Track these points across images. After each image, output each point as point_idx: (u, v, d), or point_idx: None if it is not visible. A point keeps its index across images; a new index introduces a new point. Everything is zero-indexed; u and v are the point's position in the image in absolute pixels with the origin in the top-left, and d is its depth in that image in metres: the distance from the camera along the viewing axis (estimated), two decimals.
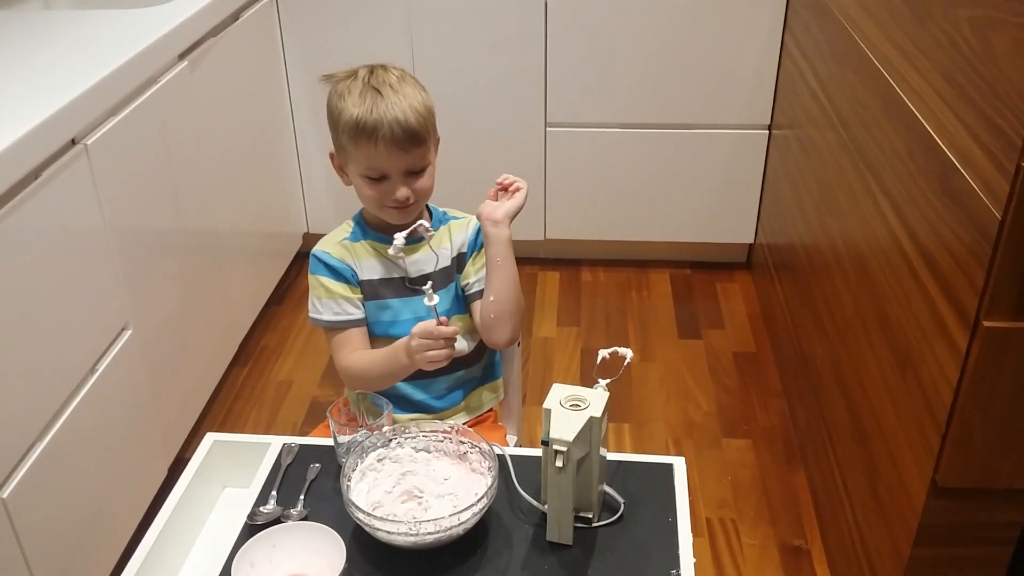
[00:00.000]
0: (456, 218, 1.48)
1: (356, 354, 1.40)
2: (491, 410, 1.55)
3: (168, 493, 1.20)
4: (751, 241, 2.81)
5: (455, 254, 1.44)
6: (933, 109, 1.39)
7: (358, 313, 1.40)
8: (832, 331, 1.87)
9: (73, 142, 1.57)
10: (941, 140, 1.34)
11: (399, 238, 1.28)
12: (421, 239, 1.36)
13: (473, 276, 1.44)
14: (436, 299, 1.26)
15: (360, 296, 1.41)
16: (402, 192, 1.33)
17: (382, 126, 1.29)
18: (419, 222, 1.33)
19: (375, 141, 1.29)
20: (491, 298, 1.37)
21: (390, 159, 1.31)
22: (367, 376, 1.38)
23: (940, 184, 1.33)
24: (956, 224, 1.26)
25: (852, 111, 1.81)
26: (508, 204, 1.37)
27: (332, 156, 1.40)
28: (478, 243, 1.44)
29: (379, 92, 1.31)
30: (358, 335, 1.41)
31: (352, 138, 1.31)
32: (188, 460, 1.26)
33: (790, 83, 2.41)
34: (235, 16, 2.29)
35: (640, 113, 2.63)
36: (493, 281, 1.37)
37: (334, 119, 1.35)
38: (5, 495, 1.38)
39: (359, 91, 1.32)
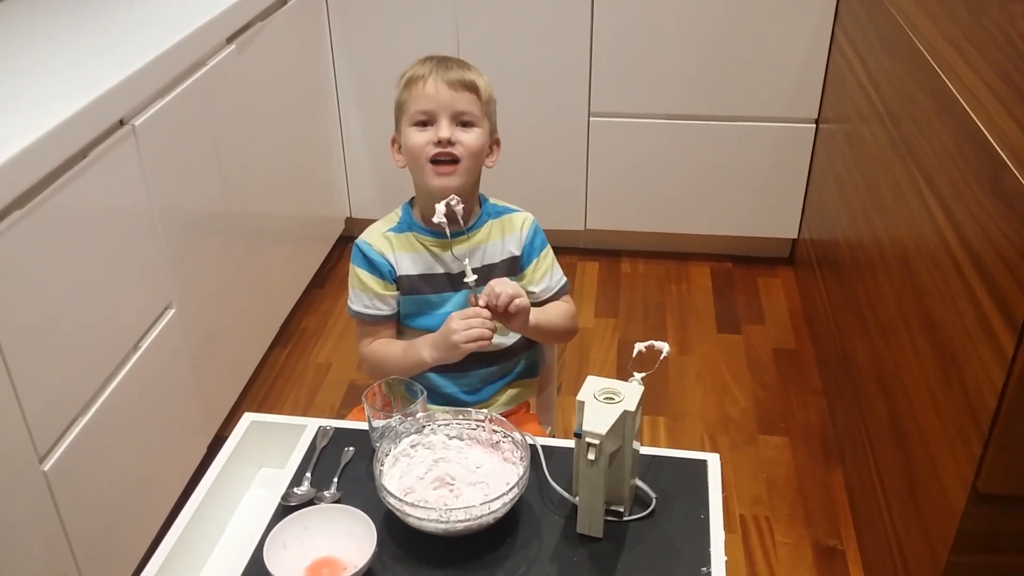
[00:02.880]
0: (509, 211, 1.46)
1: (377, 343, 1.41)
2: (525, 400, 1.55)
3: (206, 471, 1.22)
4: (794, 236, 2.77)
5: (506, 256, 1.43)
6: (986, 106, 1.35)
7: (387, 310, 1.41)
8: (875, 330, 1.84)
9: (121, 123, 1.60)
10: (993, 138, 1.31)
11: (440, 206, 1.28)
12: (458, 234, 1.36)
13: (533, 285, 1.43)
14: (474, 277, 1.26)
15: (394, 293, 1.41)
16: (445, 131, 1.33)
17: (438, 70, 1.34)
18: (452, 196, 1.31)
19: (427, 81, 1.34)
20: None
21: (440, 96, 1.33)
22: (383, 366, 1.40)
23: (991, 184, 1.30)
24: (1006, 225, 1.23)
25: (902, 106, 1.77)
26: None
27: (393, 140, 1.42)
28: (535, 246, 1.44)
29: (443, 60, 1.37)
30: (383, 329, 1.42)
31: (406, 87, 1.35)
32: (227, 438, 1.28)
33: (839, 76, 2.37)
34: (283, 1, 2.30)
35: (685, 104, 2.60)
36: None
37: (398, 91, 1.39)
38: (47, 468, 1.41)
39: (423, 59, 1.38)
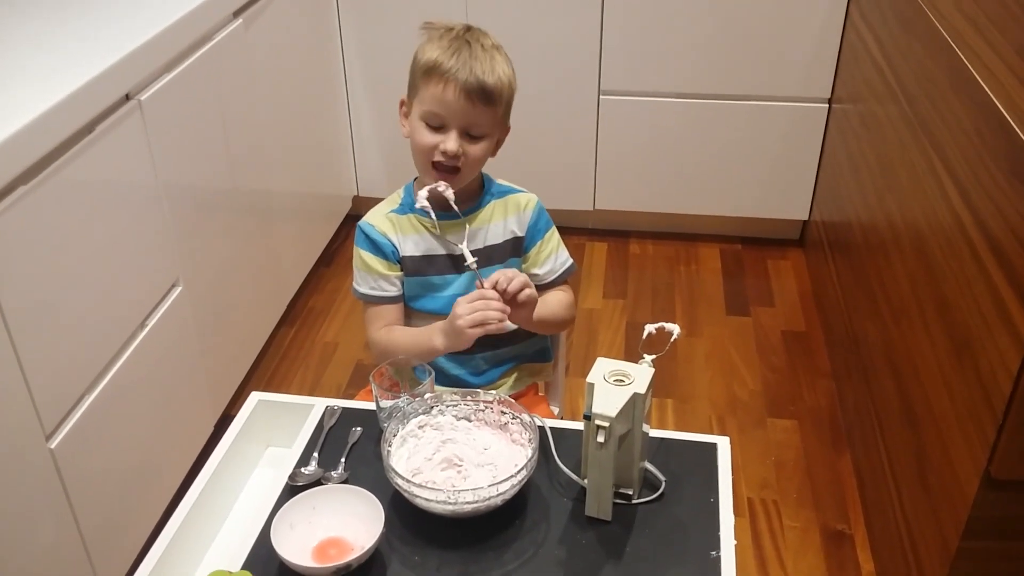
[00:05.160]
0: (513, 191, 1.43)
1: (386, 329, 1.39)
2: (534, 383, 1.53)
3: (213, 449, 1.22)
4: (805, 218, 2.75)
5: (508, 237, 1.41)
6: (1005, 86, 1.33)
7: (393, 291, 1.39)
8: (887, 313, 1.82)
9: (127, 97, 1.58)
10: (1013, 119, 1.28)
11: (423, 192, 1.27)
12: (458, 216, 1.34)
13: (537, 267, 1.41)
14: (474, 259, 1.25)
15: (399, 273, 1.39)
16: (452, 145, 1.29)
17: (459, 71, 1.28)
18: (439, 183, 1.29)
19: (446, 82, 1.28)
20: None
21: (455, 106, 1.28)
22: (393, 354, 1.36)
23: (1010, 165, 1.28)
24: None
25: (918, 86, 1.74)
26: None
27: (402, 103, 1.37)
28: (539, 227, 1.42)
29: (469, 44, 1.30)
30: (391, 311, 1.40)
31: (425, 74, 1.30)
32: (234, 417, 1.27)
33: (853, 55, 2.34)
34: None
35: (696, 83, 2.57)
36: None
37: (415, 60, 1.33)
38: (53, 446, 1.41)
39: (449, 39, 1.31)
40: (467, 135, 1.31)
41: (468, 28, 1.34)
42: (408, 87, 1.36)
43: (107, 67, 1.48)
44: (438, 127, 1.30)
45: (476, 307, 1.25)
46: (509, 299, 1.26)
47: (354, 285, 1.41)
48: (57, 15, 1.71)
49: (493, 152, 1.37)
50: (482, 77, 1.28)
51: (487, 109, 1.30)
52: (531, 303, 1.29)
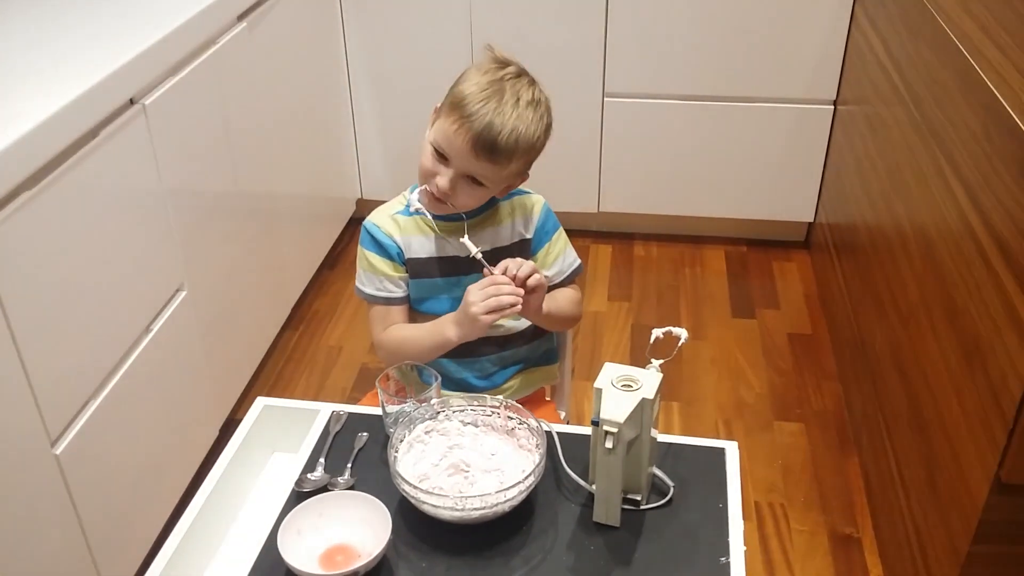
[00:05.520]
0: (520, 193, 1.42)
1: (393, 328, 1.38)
2: (541, 387, 1.53)
3: (219, 454, 1.21)
4: (811, 220, 2.74)
5: (516, 239, 1.40)
6: (1014, 88, 1.32)
7: (398, 292, 1.38)
8: (894, 316, 1.81)
9: (131, 102, 1.58)
10: (1022, 121, 1.28)
11: (415, 193, 1.29)
12: (460, 217, 1.33)
13: (546, 269, 1.40)
14: (478, 249, 1.24)
15: (404, 275, 1.38)
16: (444, 183, 1.27)
17: (476, 120, 1.23)
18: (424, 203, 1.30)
19: (460, 124, 1.24)
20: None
21: (460, 151, 1.26)
22: (405, 351, 1.36)
23: (1019, 168, 1.27)
24: None
25: (925, 88, 1.73)
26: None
27: (436, 109, 1.33)
28: (547, 228, 1.41)
29: (502, 93, 1.25)
30: (396, 312, 1.39)
31: (451, 107, 1.27)
32: (239, 422, 1.26)
33: (859, 57, 2.33)
34: None
35: (701, 85, 2.57)
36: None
37: (456, 81, 1.30)
38: (58, 452, 1.40)
39: (489, 79, 1.27)
40: (470, 177, 1.29)
41: (518, 75, 1.29)
42: (443, 101, 1.32)
43: (111, 72, 1.47)
44: (442, 158, 1.29)
45: (489, 292, 1.24)
46: (519, 284, 1.25)
47: (358, 285, 1.40)
48: (60, 21, 1.71)
49: (501, 193, 1.36)
50: (496, 134, 1.24)
51: (491, 165, 1.27)
52: (540, 289, 1.28)
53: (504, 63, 1.29)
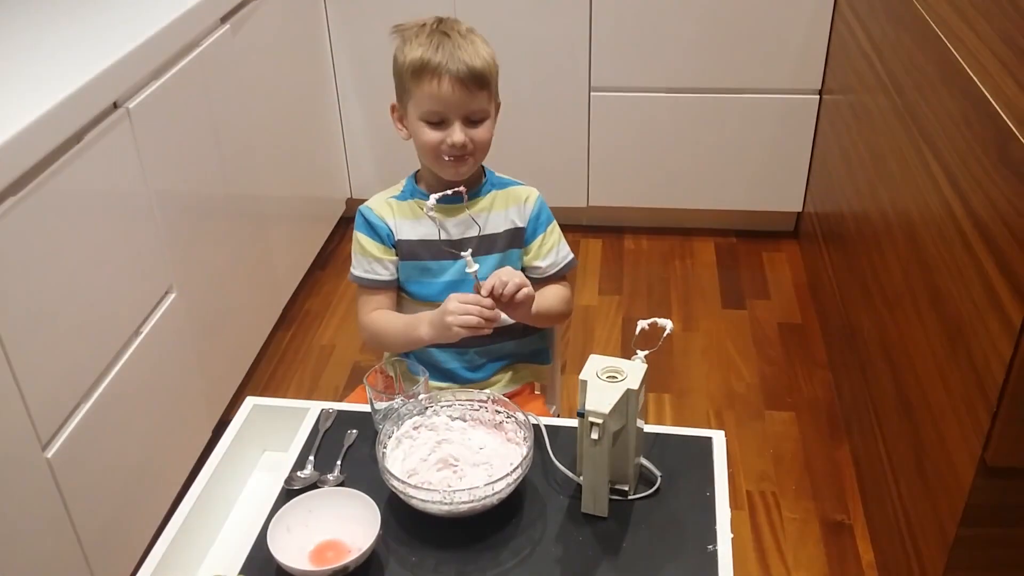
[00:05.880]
0: (512, 184, 1.44)
1: (376, 313, 1.41)
2: (530, 381, 1.54)
3: (210, 455, 1.22)
4: (799, 209, 2.75)
5: (508, 227, 1.42)
6: (992, 74, 1.33)
7: (386, 275, 1.41)
8: (881, 303, 1.82)
9: (115, 105, 1.58)
10: (1000, 106, 1.29)
11: (433, 198, 1.27)
12: (458, 200, 1.34)
13: (539, 260, 1.42)
14: (475, 266, 1.25)
15: (393, 257, 1.40)
16: (458, 136, 1.31)
17: (449, 63, 1.29)
18: (460, 187, 1.31)
19: (439, 77, 1.29)
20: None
21: (452, 98, 1.30)
22: (381, 338, 1.40)
23: (998, 153, 1.28)
24: (1013, 195, 1.21)
25: (907, 75, 1.74)
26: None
27: (393, 108, 1.39)
28: (541, 220, 1.42)
29: (447, 35, 1.32)
30: (383, 296, 1.42)
31: (416, 75, 1.31)
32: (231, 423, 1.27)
33: (843, 46, 2.34)
34: None
35: (687, 77, 2.57)
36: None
37: (399, 64, 1.34)
38: (50, 455, 1.41)
39: (427, 34, 1.32)
40: (469, 122, 1.33)
41: (440, 20, 1.35)
42: (397, 91, 1.37)
43: (94, 76, 1.48)
44: (439, 122, 1.32)
45: (468, 309, 1.26)
46: (507, 300, 1.27)
47: (351, 270, 1.43)
48: (41, 24, 1.71)
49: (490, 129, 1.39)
50: (471, 63, 1.30)
51: (482, 92, 1.32)
52: (528, 302, 1.30)
53: (418, 23, 1.35)
